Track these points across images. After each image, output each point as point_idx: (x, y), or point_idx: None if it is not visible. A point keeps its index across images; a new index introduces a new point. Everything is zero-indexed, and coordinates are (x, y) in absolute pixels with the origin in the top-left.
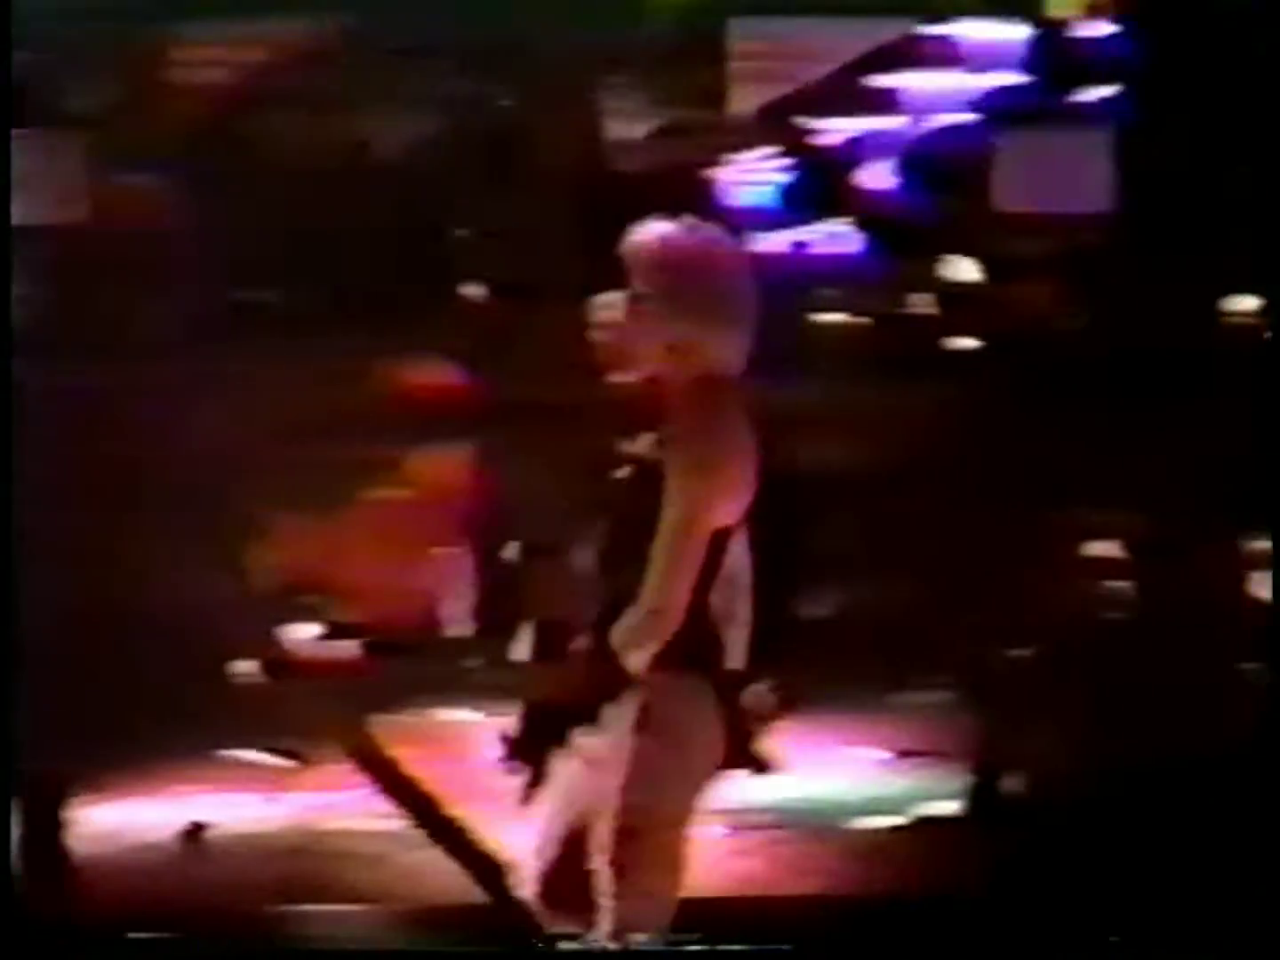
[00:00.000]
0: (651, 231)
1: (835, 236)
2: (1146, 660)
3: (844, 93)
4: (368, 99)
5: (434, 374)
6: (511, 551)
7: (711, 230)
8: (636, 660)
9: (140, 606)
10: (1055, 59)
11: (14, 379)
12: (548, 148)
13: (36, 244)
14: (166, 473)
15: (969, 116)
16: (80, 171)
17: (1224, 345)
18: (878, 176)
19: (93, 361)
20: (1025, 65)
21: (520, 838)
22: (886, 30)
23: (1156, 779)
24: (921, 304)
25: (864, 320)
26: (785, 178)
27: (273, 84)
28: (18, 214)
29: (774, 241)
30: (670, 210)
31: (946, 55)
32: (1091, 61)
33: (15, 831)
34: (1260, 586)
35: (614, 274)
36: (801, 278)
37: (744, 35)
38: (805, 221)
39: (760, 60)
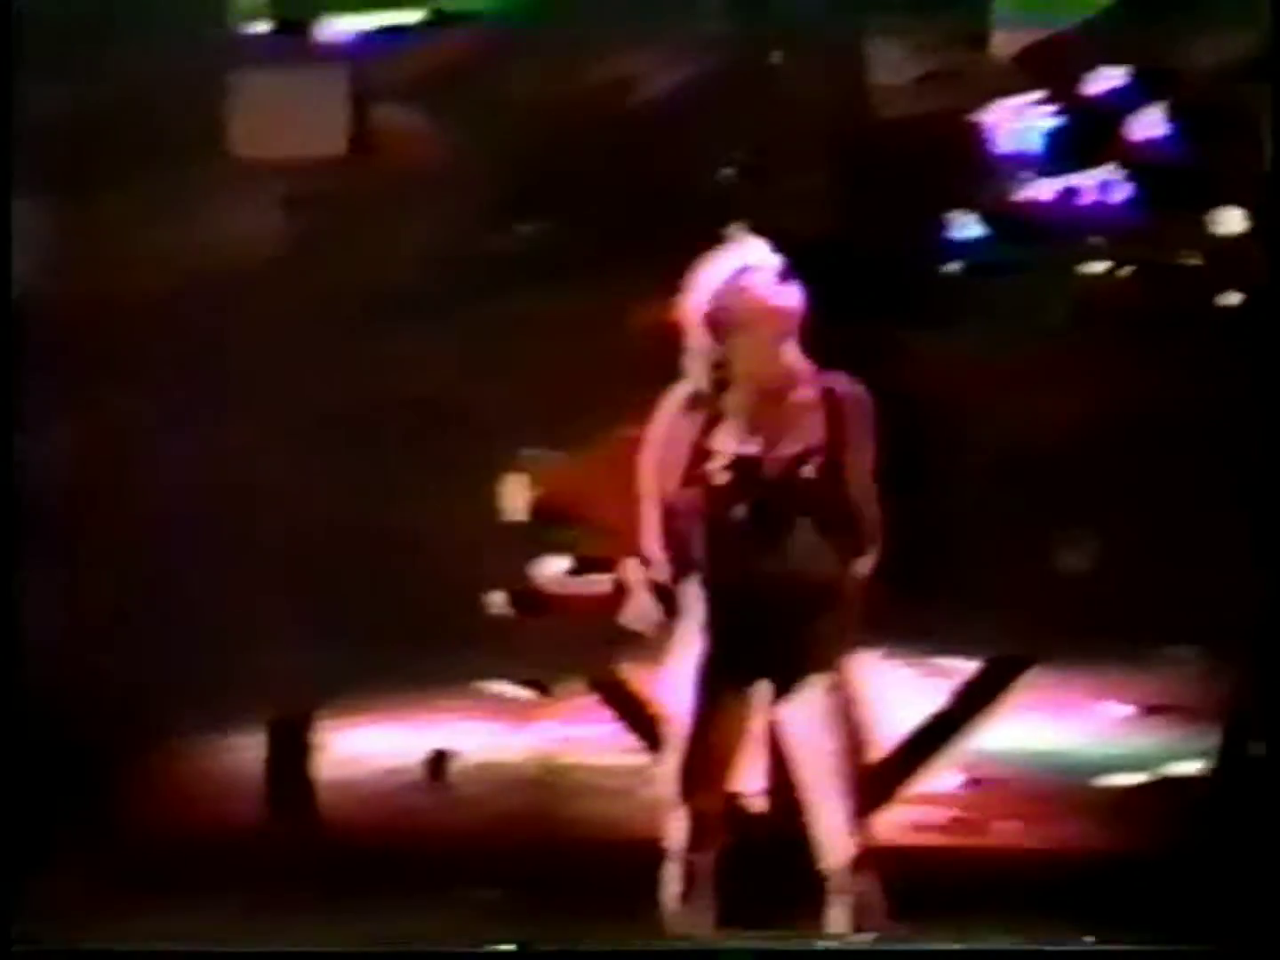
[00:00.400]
0: None
1: (1105, 184)
2: None
3: (1108, 40)
4: (630, 40)
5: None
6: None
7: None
8: None
9: (396, 536)
10: None
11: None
12: (812, 92)
13: (296, 177)
14: (428, 407)
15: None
16: (341, 106)
17: None
18: (1144, 125)
19: (346, 296)
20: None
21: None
22: None
23: None
24: (1188, 256)
25: (1129, 271)
26: (1051, 123)
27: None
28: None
29: (1044, 188)
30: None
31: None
32: None
33: (260, 754)
34: None
35: (872, 221)
36: (1071, 225)
37: None
38: (1072, 169)
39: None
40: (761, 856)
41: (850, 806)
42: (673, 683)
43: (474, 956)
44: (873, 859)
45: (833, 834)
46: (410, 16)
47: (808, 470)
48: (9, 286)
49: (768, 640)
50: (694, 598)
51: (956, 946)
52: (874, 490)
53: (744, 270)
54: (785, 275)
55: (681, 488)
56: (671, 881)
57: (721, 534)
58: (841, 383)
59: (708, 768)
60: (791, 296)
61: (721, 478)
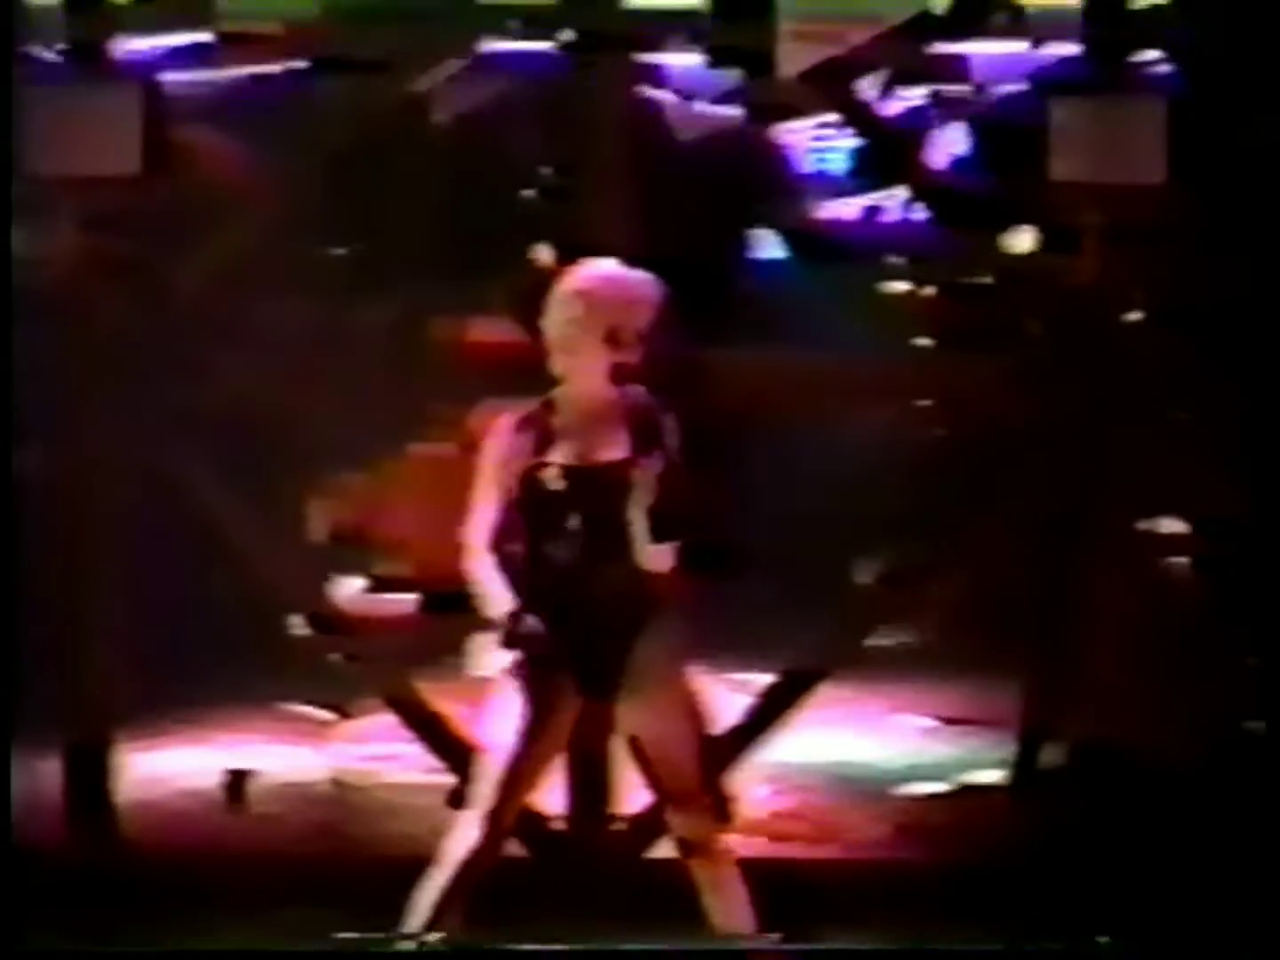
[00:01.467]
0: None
1: (906, 204)
2: (1197, 634)
3: (898, 58)
4: (429, 59)
5: (489, 331)
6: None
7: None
8: None
9: (193, 556)
10: (1111, 28)
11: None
12: (608, 114)
13: (95, 193)
14: (224, 423)
15: (1026, 86)
16: (138, 123)
17: None
18: (937, 146)
19: (153, 309)
20: (1082, 34)
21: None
22: None
23: (1203, 753)
24: (981, 275)
25: (928, 291)
26: (849, 144)
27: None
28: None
29: (844, 208)
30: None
31: (1004, 23)
32: (1147, 31)
33: (58, 778)
34: None
35: (674, 239)
36: (870, 245)
37: None
38: (868, 189)
39: (816, 22)
40: (554, 872)
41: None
42: (499, 697)
43: (469, 954)
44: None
45: (703, 829)
46: (209, 34)
47: (634, 474)
48: (9, 287)
49: (603, 653)
50: (527, 619)
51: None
52: (687, 494)
53: (627, 275)
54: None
55: (515, 502)
56: (435, 886)
57: (556, 546)
58: (642, 395)
59: (519, 782)
60: (647, 317)
61: (557, 484)
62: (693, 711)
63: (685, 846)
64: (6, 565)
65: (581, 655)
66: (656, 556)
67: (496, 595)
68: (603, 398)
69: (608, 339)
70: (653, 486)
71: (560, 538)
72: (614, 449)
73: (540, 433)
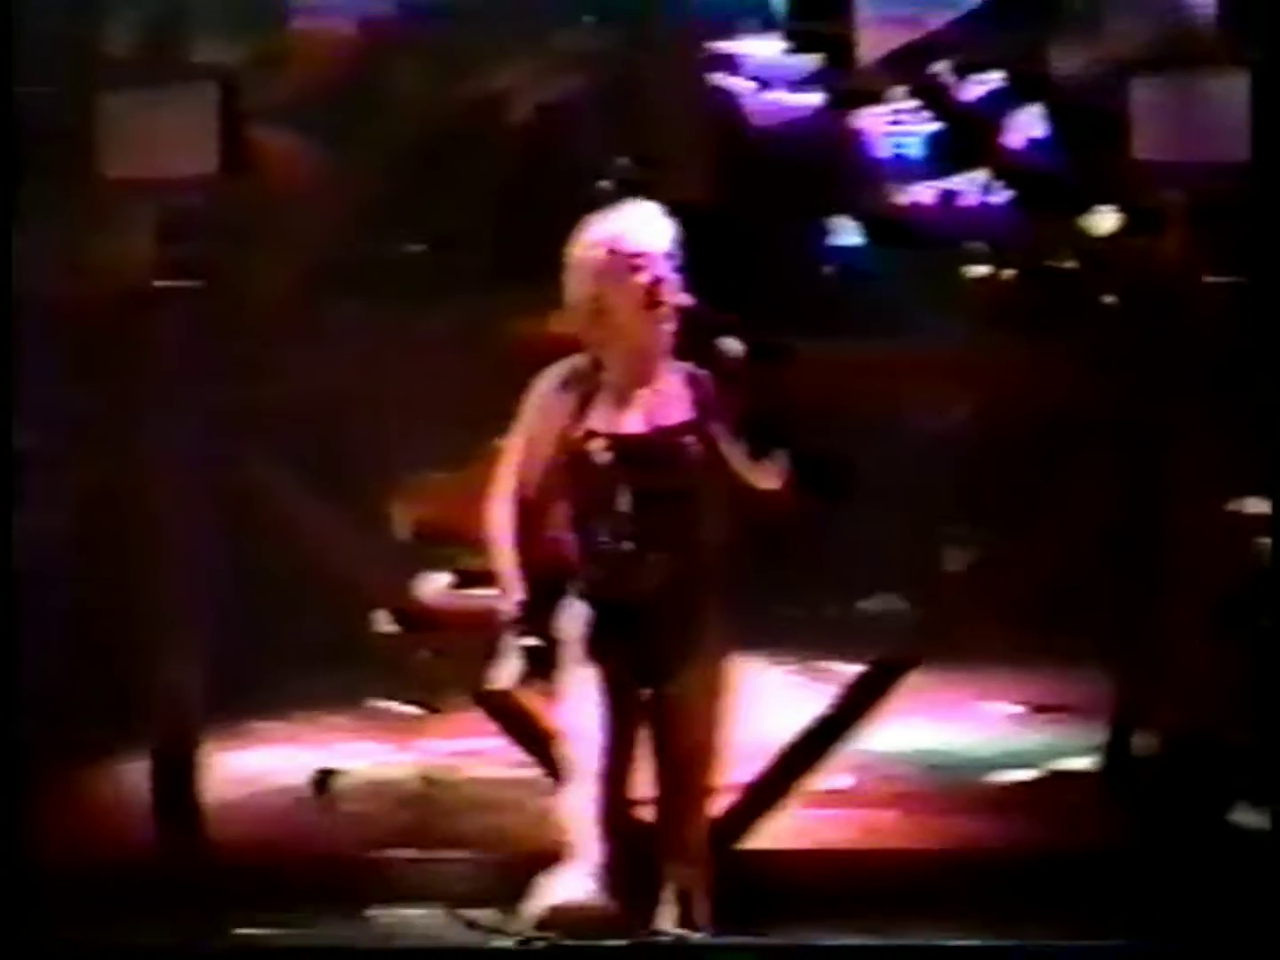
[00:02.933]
0: None
1: (984, 188)
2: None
3: (975, 42)
4: (502, 55)
5: (568, 325)
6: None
7: None
8: None
9: (280, 556)
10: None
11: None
12: (685, 103)
13: (169, 196)
14: (308, 425)
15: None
16: (212, 124)
17: None
18: (1015, 129)
19: (228, 311)
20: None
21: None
22: None
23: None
24: (1063, 258)
25: (1008, 275)
26: (926, 129)
27: (406, 37)
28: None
29: (923, 193)
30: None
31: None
32: (1227, 6)
33: (146, 775)
34: None
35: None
36: (950, 228)
37: None
38: (947, 173)
39: (890, 7)
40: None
41: (704, 805)
42: (572, 708)
43: (473, 954)
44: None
45: (689, 830)
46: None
47: (689, 444)
48: (9, 286)
49: (655, 642)
50: (573, 612)
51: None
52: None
53: (631, 227)
54: (670, 243)
55: (555, 470)
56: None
57: (604, 529)
58: (698, 369)
59: (619, 785)
60: (668, 263)
61: (603, 457)
62: (724, 704)
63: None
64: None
65: (632, 644)
66: (764, 474)
67: (509, 576)
68: (651, 355)
69: (638, 294)
70: (731, 428)
71: (608, 519)
72: (668, 413)
73: (585, 393)
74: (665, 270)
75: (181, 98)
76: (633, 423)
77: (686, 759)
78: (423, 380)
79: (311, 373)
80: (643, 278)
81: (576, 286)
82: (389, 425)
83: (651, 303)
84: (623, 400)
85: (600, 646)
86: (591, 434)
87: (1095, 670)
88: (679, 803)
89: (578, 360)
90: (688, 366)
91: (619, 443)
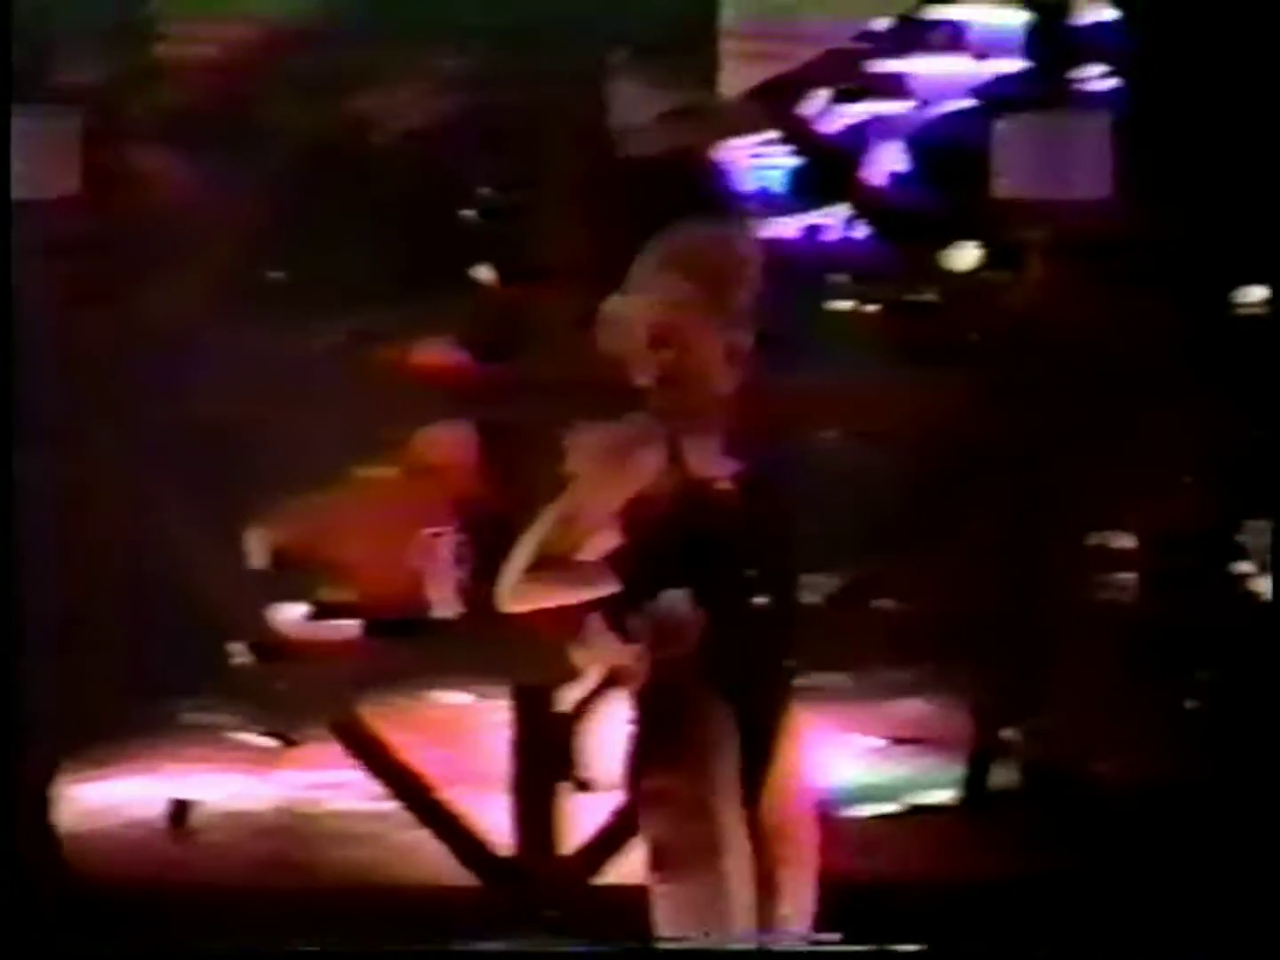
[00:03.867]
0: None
1: (847, 223)
2: (1147, 651)
3: (842, 76)
4: (376, 78)
5: (435, 354)
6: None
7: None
8: None
9: (135, 584)
10: (1055, 44)
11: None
12: (555, 130)
13: (36, 219)
14: (164, 448)
15: (969, 102)
16: (78, 147)
17: (1228, 334)
18: (879, 163)
19: (92, 335)
20: (1025, 50)
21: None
22: (884, 13)
23: (1154, 773)
24: (925, 292)
25: (871, 308)
26: (790, 163)
27: (282, 62)
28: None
29: (786, 226)
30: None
31: (946, 40)
32: (1091, 46)
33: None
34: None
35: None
36: (813, 263)
37: (742, 15)
38: (810, 208)
39: (758, 41)
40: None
41: None
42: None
43: (469, 956)
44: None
45: None
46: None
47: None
48: (9, 286)
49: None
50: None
51: None
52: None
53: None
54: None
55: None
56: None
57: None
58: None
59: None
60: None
61: (717, 518)
62: None
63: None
64: None
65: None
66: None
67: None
68: (726, 393)
69: (723, 314)
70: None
71: (733, 594)
72: (747, 459)
73: (667, 451)
74: (755, 287)
75: (49, 119)
76: (730, 463)
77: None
78: (285, 404)
79: (170, 396)
80: (738, 289)
81: (653, 297)
82: (249, 450)
83: (737, 323)
84: (705, 450)
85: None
86: (693, 481)
87: (955, 703)
88: None
89: (640, 419)
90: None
91: (725, 500)
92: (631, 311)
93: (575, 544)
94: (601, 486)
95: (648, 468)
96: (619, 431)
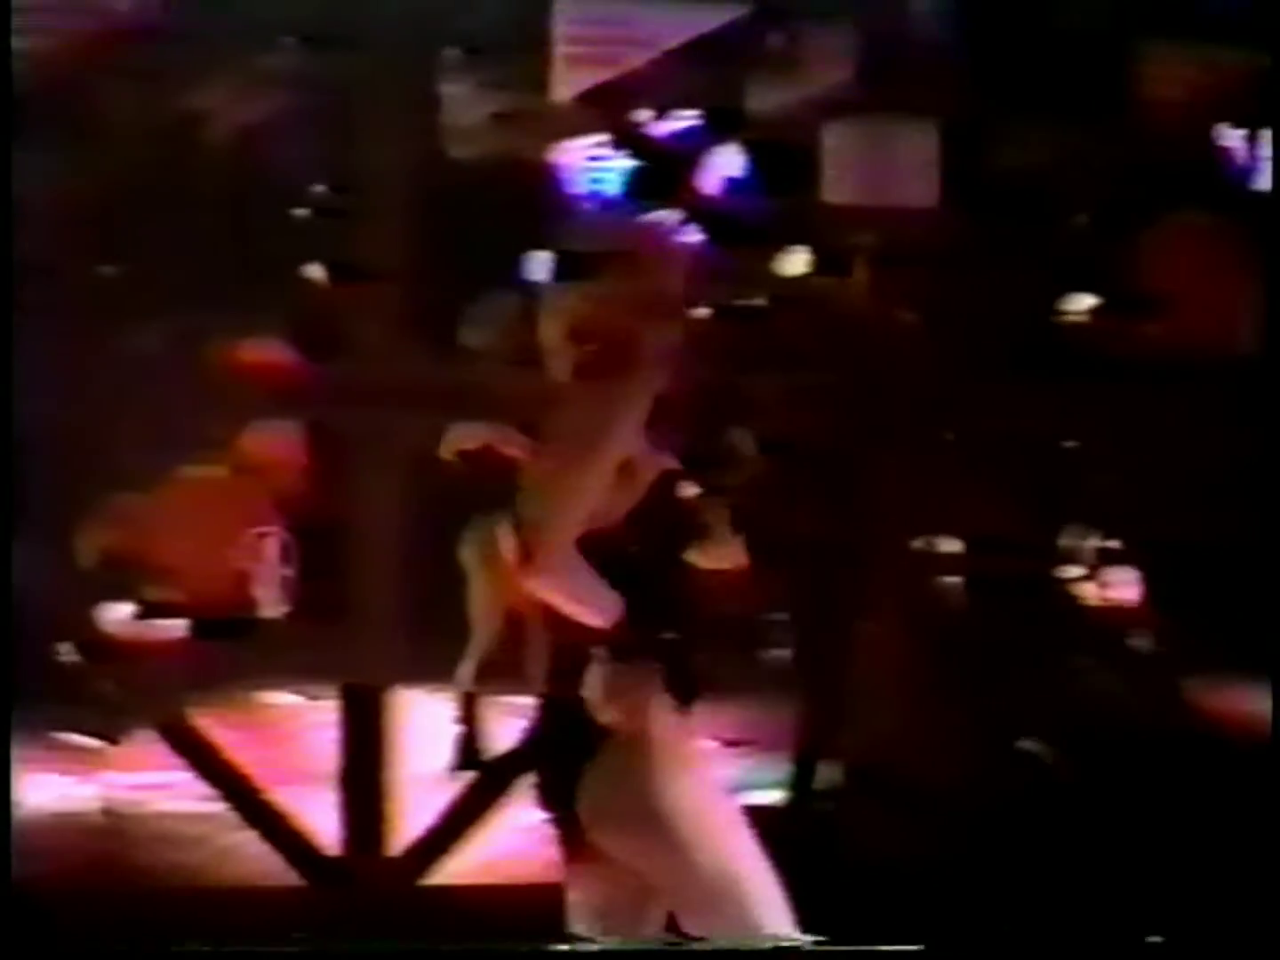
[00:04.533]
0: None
1: (679, 225)
2: (973, 652)
3: (671, 81)
4: (203, 74)
5: (263, 352)
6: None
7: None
8: None
9: None
10: (882, 53)
11: None
12: (386, 131)
13: None
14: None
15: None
16: None
17: (1054, 340)
18: (710, 168)
19: None
20: (855, 58)
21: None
22: (713, 18)
23: (975, 774)
24: (754, 297)
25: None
26: (623, 166)
27: (108, 55)
28: None
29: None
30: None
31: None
32: (919, 55)
33: None
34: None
35: (448, 258)
36: None
37: (571, 19)
38: (642, 210)
39: (588, 45)
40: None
41: None
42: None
43: (466, 955)
44: None
45: None
46: None
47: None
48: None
49: None
50: None
51: None
52: None
53: None
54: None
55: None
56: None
57: None
58: None
59: None
60: None
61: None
62: None
63: None
64: None
65: None
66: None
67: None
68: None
69: (649, 309)
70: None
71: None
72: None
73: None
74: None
75: None
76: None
77: None
78: (113, 401)
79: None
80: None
81: (611, 288)
82: (79, 448)
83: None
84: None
85: None
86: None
87: (781, 703)
88: None
89: None
90: None
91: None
92: (560, 304)
93: (583, 484)
94: (601, 434)
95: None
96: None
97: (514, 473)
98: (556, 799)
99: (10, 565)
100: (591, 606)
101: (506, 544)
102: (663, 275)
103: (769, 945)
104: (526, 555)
